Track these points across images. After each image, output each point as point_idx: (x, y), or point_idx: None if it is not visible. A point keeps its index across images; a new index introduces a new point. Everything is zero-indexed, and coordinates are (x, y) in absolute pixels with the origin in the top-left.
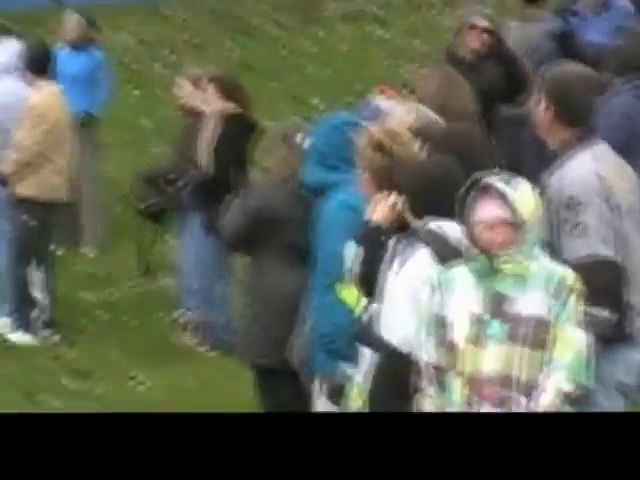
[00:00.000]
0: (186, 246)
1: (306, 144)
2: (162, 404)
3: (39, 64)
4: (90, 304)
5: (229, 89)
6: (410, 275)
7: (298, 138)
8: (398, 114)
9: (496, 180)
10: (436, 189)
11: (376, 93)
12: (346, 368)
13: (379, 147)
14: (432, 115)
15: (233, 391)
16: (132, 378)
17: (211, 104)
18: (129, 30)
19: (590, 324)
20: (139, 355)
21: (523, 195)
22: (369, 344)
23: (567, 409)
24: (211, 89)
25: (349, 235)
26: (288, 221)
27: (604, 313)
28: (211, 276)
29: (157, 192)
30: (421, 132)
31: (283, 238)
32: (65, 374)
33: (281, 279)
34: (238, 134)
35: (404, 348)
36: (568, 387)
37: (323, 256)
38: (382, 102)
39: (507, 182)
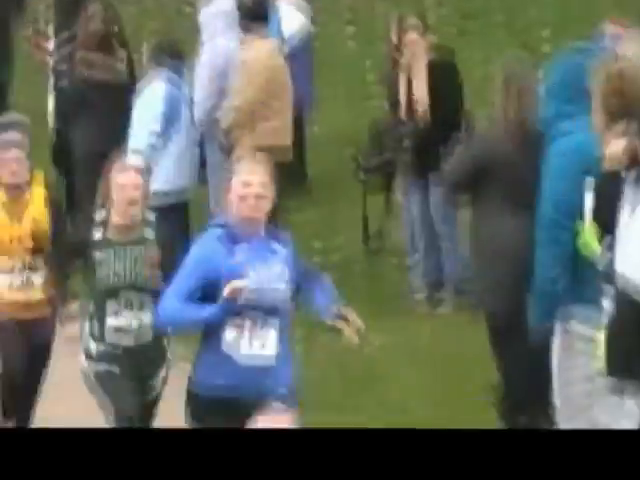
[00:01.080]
0: (410, 201)
1: (538, 84)
2: (392, 364)
3: (256, 15)
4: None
5: (425, 29)
6: None
7: (525, 80)
8: (631, 44)
9: None
10: None
11: (607, 24)
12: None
13: (611, 81)
14: None
15: (461, 349)
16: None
17: (413, 48)
18: None
19: None
20: (367, 314)
21: None
22: (611, 281)
23: None
24: (411, 34)
25: (579, 175)
26: (511, 166)
27: None
28: (437, 229)
29: (381, 149)
30: None
31: (505, 184)
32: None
33: (503, 227)
34: (445, 78)
35: None
36: None
37: (551, 197)
38: (614, 33)
39: None
